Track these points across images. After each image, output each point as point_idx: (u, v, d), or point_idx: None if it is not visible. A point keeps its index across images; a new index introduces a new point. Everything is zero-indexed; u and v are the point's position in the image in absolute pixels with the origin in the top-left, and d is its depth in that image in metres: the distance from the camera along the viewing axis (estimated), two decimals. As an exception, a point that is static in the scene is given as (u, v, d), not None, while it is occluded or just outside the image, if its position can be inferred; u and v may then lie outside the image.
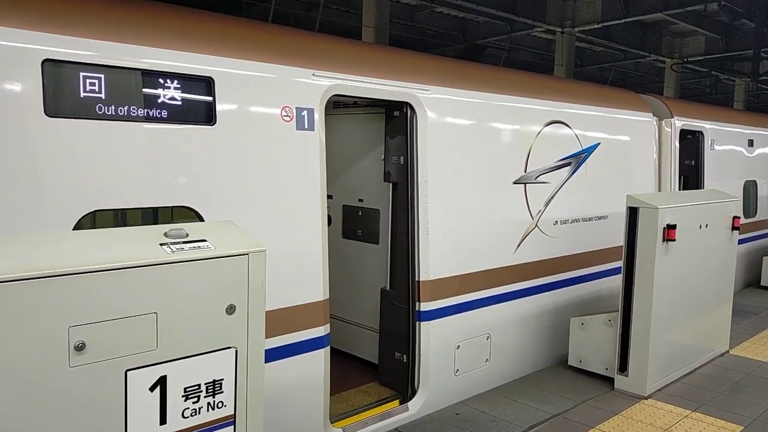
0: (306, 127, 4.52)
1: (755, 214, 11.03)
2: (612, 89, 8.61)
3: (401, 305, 5.62)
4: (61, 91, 3.46)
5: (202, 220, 3.97)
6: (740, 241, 7.97)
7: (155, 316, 2.68)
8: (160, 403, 2.73)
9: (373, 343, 6.10)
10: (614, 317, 6.10)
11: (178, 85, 3.88)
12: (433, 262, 5.49)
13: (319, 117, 4.59)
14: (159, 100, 3.81)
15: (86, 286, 2.49)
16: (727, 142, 10.10)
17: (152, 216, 4.74)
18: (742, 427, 5.19)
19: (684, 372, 6.35)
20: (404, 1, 15.49)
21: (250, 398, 3.00)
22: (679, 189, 8.99)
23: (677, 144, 8.75)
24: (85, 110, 3.53)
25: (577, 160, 7.03)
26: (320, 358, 4.68)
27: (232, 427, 2.95)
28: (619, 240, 6.22)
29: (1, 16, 3.30)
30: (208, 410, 2.87)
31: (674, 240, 5.73)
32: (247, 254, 2.93)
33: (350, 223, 6.52)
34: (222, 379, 2.90)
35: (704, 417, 5.38)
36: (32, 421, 2.43)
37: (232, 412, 2.95)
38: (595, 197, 7.36)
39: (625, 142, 7.91)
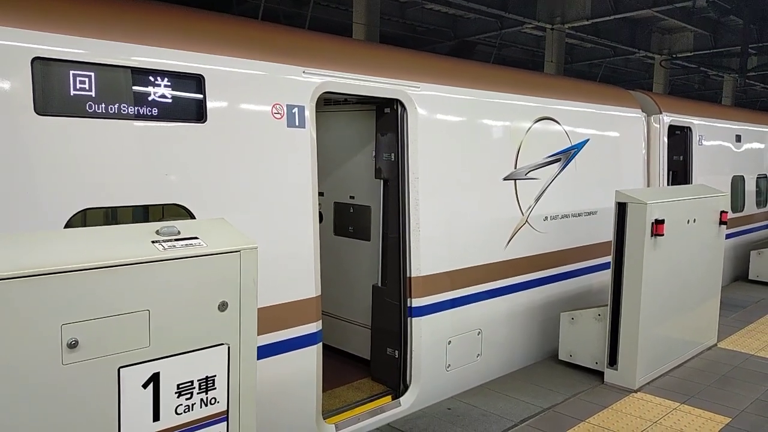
0: (297, 124, 4.53)
1: (743, 209, 11.14)
2: (601, 86, 8.66)
3: (393, 301, 5.64)
4: (51, 89, 3.46)
5: (193, 217, 3.98)
6: (728, 236, 8.06)
7: (148, 314, 2.69)
8: (153, 400, 2.74)
9: (365, 339, 6.13)
10: (604, 312, 6.16)
11: (169, 83, 3.88)
12: (424, 258, 5.52)
13: (309, 114, 4.60)
14: (149, 98, 3.81)
15: (79, 284, 2.50)
16: (716, 137, 10.19)
17: (143, 214, 4.74)
18: (730, 419, 5.26)
19: (673, 365, 6.42)
20: (394, -2, 15.50)
21: (243, 394, 3.02)
22: (668, 184, 9.06)
23: (666, 140, 8.82)
24: (76, 108, 3.52)
25: (566, 156, 7.08)
26: (312, 354, 4.70)
27: (225, 423, 2.97)
28: (609, 235, 6.28)
29: None
30: (201, 406, 2.88)
31: (662, 235, 5.79)
32: (238, 251, 2.94)
33: (342, 220, 6.54)
34: (215, 376, 2.91)
35: (693, 409, 5.44)
36: (25, 419, 2.44)
37: (225, 408, 2.97)
38: (584, 193, 7.41)
39: (614, 138, 7.96)
